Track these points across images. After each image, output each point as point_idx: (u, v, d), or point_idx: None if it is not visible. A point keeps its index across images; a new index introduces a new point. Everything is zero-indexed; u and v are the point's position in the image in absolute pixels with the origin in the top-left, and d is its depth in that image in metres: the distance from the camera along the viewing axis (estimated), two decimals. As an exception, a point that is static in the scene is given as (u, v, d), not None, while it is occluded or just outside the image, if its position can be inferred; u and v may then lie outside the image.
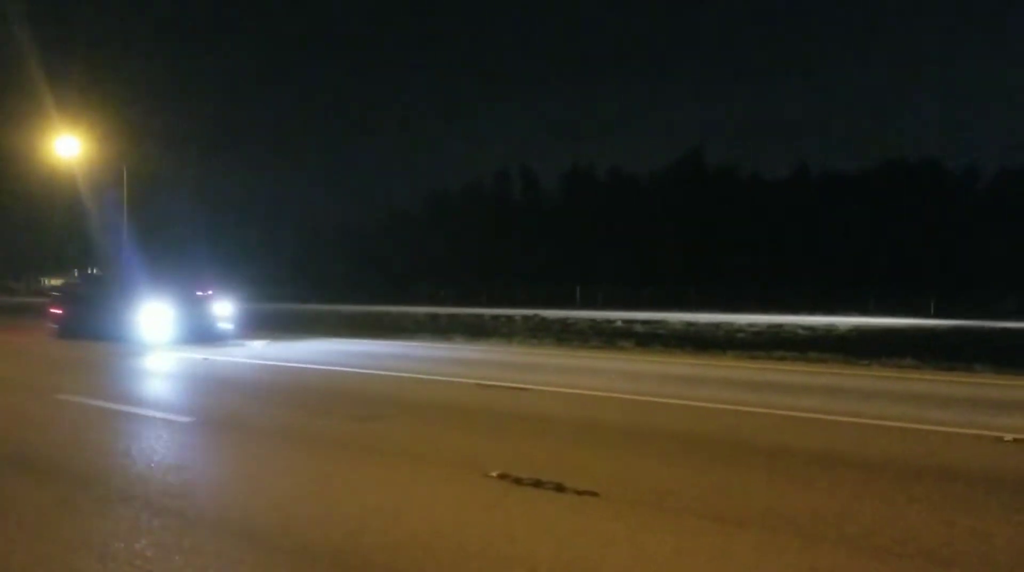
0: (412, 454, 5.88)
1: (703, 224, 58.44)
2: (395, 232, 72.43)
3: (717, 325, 20.78)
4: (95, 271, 22.39)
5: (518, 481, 4.88)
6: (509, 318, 24.05)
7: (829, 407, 7.80)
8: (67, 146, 32.64)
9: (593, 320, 22.50)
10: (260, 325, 19.88)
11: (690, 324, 21.25)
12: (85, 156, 34.31)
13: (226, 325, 16.73)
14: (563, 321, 22.29)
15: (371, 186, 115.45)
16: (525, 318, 23.96)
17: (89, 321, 17.07)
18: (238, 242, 65.11)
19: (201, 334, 15.96)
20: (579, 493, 4.63)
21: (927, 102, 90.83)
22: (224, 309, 16.87)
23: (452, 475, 5.20)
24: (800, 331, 18.29)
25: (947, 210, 53.89)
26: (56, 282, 75.14)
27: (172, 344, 15.18)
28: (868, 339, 15.57)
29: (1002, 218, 50.78)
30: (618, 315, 24.67)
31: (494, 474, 5.03)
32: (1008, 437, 6.28)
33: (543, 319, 23.32)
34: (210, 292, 17.29)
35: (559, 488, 4.72)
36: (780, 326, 20.38)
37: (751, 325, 20.60)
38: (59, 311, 18.21)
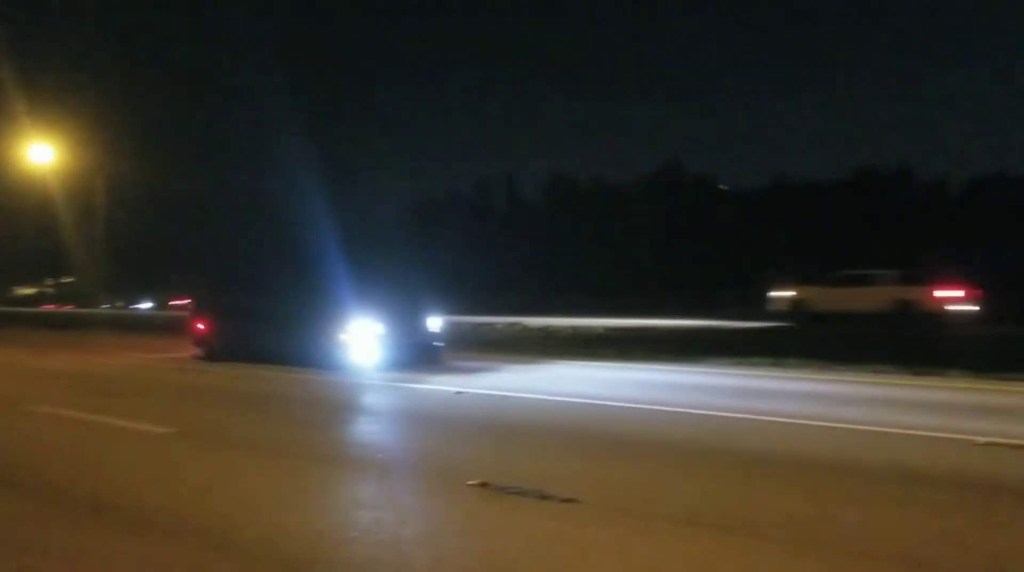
0: (391, 464, 5.88)
1: (683, 232, 58.80)
2: (377, 239, 72.10)
3: (698, 331, 20.92)
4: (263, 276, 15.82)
5: (499, 489, 4.89)
6: (491, 326, 24.06)
7: (805, 412, 7.88)
8: (41, 153, 32.32)
9: (575, 327, 22.54)
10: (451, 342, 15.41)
11: (672, 330, 21.37)
12: (61, 163, 34.00)
13: (438, 343, 13.76)
14: (545, 329, 22.32)
15: (354, 194, 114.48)
16: (507, 325, 23.98)
17: (256, 340, 13.84)
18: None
19: (415, 355, 12.94)
20: (561, 501, 4.64)
21: (899, 111, 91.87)
22: (435, 324, 13.81)
23: (433, 485, 5.21)
24: (778, 336, 18.45)
25: (918, 218, 54.53)
26: (28, 291, 74.03)
27: (385, 369, 12.15)
28: (843, 344, 15.71)
29: (973, 226, 51.49)
30: (600, 322, 24.74)
31: (475, 483, 5.05)
32: (980, 441, 6.38)
33: (525, 326, 23.35)
34: (422, 303, 13.93)
35: (541, 496, 4.73)
36: (758, 331, 20.56)
37: (735, 330, 20.76)
38: (206, 327, 14.93)
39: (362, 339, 12.52)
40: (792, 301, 24.61)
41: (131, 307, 56.92)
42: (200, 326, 15.05)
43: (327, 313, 12.85)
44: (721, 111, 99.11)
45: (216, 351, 14.51)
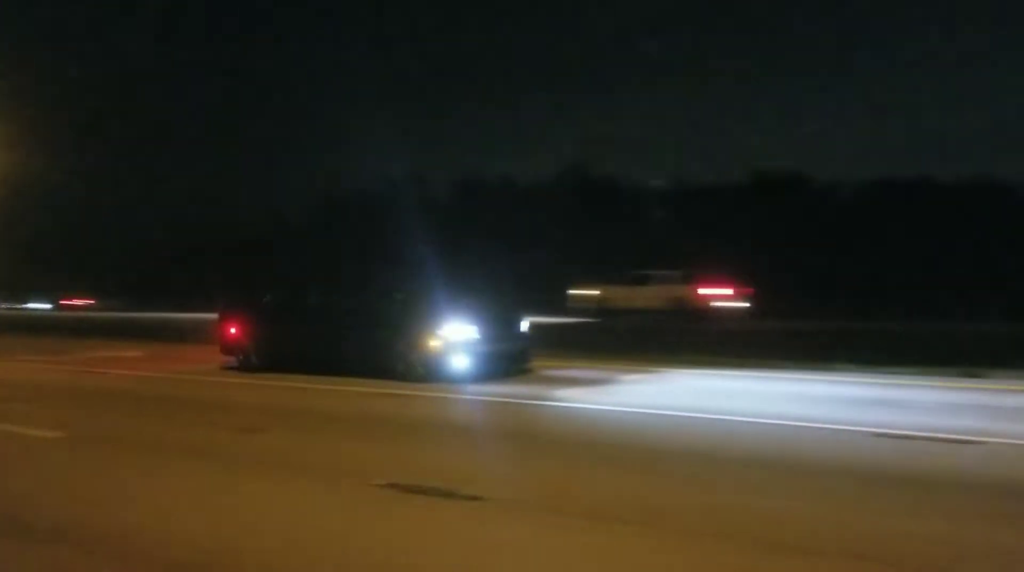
0: (294, 465, 5.76)
1: (588, 231, 59.00)
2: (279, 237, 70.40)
3: (603, 328, 21.19)
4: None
5: (405, 489, 4.84)
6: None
7: (707, 406, 8.02)
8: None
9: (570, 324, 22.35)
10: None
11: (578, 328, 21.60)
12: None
13: (528, 349, 11.92)
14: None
15: (255, 190, 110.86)
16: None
17: (310, 347, 11.61)
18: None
19: (507, 363, 11.02)
20: (467, 499, 4.62)
21: (793, 113, 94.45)
22: (524, 326, 11.98)
23: (336, 486, 5.13)
24: (677, 334, 18.86)
25: (811, 220, 56.10)
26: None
27: (485, 381, 10.21)
28: (739, 342, 16.15)
29: (863, 227, 53.30)
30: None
31: (380, 483, 4.98)
32: (876, 431, 6.61)
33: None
34: (511, 302, 12.02)
35: (447, 494, 4.70)
36: (663, 329, 20.99)
37: (632, 329, 21.13)
38: (241, 331, 12.46)
39: (457, 345, 10.37)
40: (596, 299, 26.84)
41: (22, 307, 54.07)
42: (232, 330, 12.52)
43: (413, 314, 10.86)
44: (627, 112, 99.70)
45: (254, 359, 12.15)
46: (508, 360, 11.03)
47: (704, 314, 23.61)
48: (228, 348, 12.68)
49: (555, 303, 28.78)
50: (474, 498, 4.65)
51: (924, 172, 53.78)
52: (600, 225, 59.57)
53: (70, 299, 54.87)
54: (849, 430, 6.74)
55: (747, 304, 25.03)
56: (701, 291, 24.39)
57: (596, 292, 27.06)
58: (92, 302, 54.39)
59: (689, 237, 54.62)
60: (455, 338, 10.35)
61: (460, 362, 10.32)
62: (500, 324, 11.19)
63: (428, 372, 10.30)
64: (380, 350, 10.68)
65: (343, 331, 11.17)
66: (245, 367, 12.17)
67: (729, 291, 24.71)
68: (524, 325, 11.86)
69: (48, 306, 54.61)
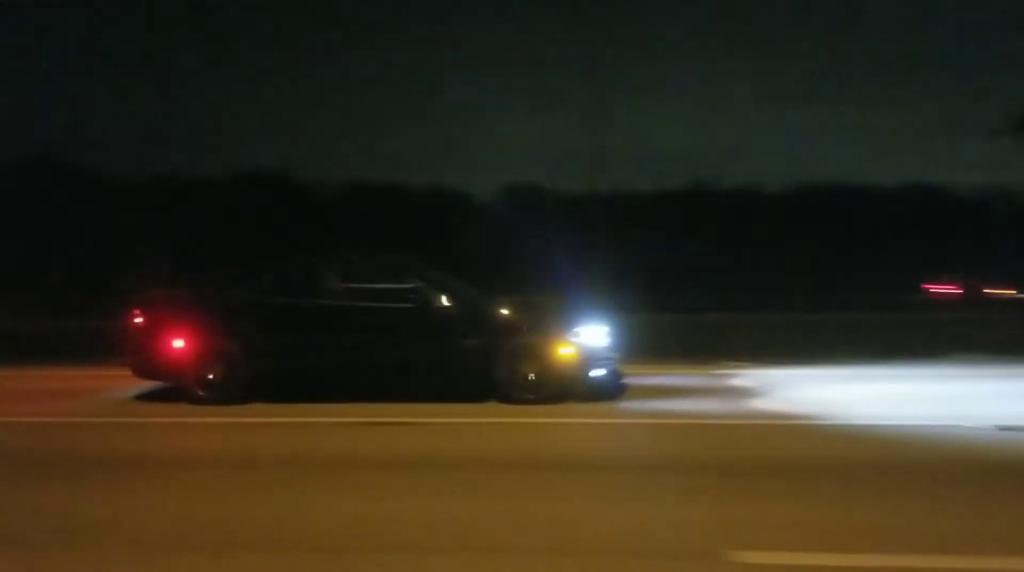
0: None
1: (55, 224, 51.62)
2: None
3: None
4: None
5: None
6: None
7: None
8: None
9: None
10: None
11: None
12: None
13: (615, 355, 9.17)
14: None
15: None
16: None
17: (346, 360, 7.92)
18: None
19: (610, 373, 8.44)
20: None
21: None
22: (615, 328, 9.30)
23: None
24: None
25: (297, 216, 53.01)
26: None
27: (604, 396, 7.98)
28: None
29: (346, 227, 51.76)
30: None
31: None
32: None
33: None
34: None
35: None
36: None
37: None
38: (198, 343, 7.88)
39: (593, 353, 7.89)
40: None
41: None
42: (179, 342, 7.89)
43: (534, 314, 8.21)
44: (99, 99, 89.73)
45: (233, 386, 7.83)
46: (611, 371, 8.66)
47: None
48: (162, 370, 8.09)
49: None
50: None
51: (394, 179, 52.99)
52: (72, 221, 52.30)
53: None
54: None
55: None
56: None
57: None
58: None
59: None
60: (592, 344, 7.91)
61: (597, 375, 8.04)
62: (615, 326, 8.81)
63: (548, 390, 7.72)
64: (471, 363, 7.84)
65: (403, 339, 8.00)
66: (215, 397, 7.82)
67: None
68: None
69: None
